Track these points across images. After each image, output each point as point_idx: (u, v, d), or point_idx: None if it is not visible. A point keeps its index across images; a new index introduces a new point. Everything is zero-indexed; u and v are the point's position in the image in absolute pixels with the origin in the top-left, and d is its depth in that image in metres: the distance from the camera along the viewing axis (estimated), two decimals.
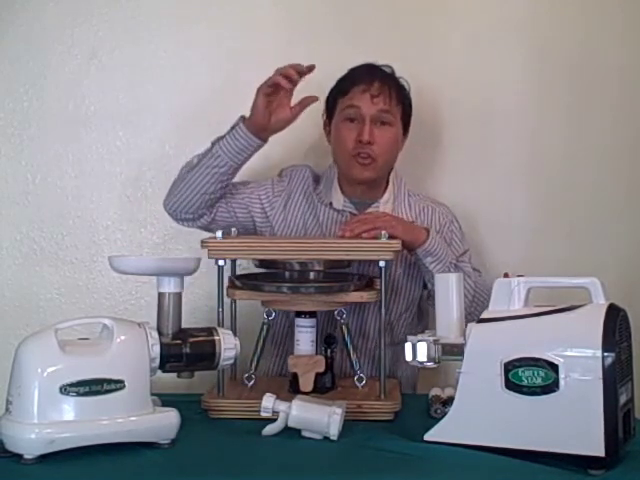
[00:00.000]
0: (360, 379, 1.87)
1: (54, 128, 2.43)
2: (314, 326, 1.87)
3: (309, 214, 2.18)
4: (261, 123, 2.01)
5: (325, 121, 2.21)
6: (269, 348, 2.09)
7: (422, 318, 2.22)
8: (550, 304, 1.58)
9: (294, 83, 1.98)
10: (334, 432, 1.60)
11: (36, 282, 2.44)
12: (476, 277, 2.10)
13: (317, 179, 2.24)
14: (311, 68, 1.97)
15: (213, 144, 2.05)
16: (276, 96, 2.00)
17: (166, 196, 2.13)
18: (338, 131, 2.15)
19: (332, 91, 2.18)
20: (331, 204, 2.17)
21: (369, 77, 2.12)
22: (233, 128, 2.03)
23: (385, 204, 2.16)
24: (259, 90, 1.99)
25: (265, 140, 2.05)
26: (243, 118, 2.03)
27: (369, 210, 2.14)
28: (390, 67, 2.17)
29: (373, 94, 2.10)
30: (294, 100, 2.03)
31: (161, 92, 2.44)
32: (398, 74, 2.18)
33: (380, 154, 2.11)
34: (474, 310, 1.98)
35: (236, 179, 2.14)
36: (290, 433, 1.63)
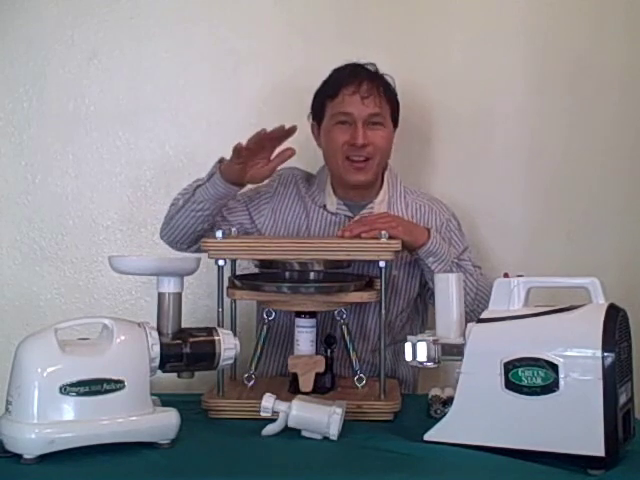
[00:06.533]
0: (360, 379, 1.87)
1: (54, 128, 2.43)
2: (314, 326, 1.87)
3: (302, 218, 2.16)
4: (236, 180, 1.98)
5: (313, 124, 2.18)
6: (269, 348, 2.09)
7: (417, 317, 2.22)
8: (550, 304, 1.58)
9: (276, 142, 1.95)
10: (334, 432, 1.60)
11: (36, 282, 2.44)
12: (477, 274, 2.10)
13: (309, 179, 2.23)
14: (292, 130, 1.92)
15: (195, 189, 2.01)
16: (252, 158, 1.96)
17: (160, 229, 2.13)
18: (329, 135, 2.11)
19: (319, 94, 2.14)
20: (325, 206, 2.16)
21: (357, 78, 2.09)
22: (212, 176, 1.99)
23: (380, 204, 2.15)
24: (233, 154, 1.94)
25: (244, 186, 2.03)
26: (220, 164, 1.99)
27: (364, 212, 2.14)
28: (374, 65, 2.14)
29: (363, 95, 2.07)
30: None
31: (161, 92, 2.44)
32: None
33: (374, 155, 2.09)
34: (476, 307, 1.99)
35: None
36: (290, 433, 1.63)
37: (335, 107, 2.10)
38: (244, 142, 1.92)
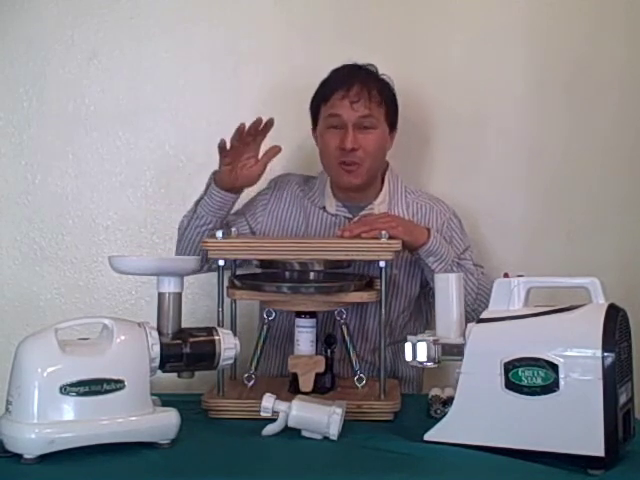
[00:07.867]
0: (360, 379, 1.87)
1: (54, 128, 2.43)
2: (314, 326, 1.87)
3: (300, 219, 2.17)
4: (228, 186, 2.02)
5: (312, 127, 2.19)
6: (269, 348, 2.09)
7: (419, 316, 2.22)
8: (550, 304, 1.58)
9: (258, 137, 1.99)
10: (334, 432, 1.60)
11: (36, 282, 2.44)
12: (478, 274, 2.10)
13: (307, 181, 2.23)
14: (270, 123, 1.96)
15: (196, 205, 2.06)
16: (239, 158, 2.00)
17: (175, 252, 2.16)
18: (322, 139, 2.13)
19: (315, 97, 2.15)
20: (324, 208, 2.17)
21: (347, 82, 2.09)
22: (208, 188, 2.04)
23: (380, 205, 2.15)
24: (219, 153, 1.99)
25: (240, 192, 2.07)
26: (215, 175, 2.03)
27: (363, 213, 2.14)
28: (373, 66, 2.14)
29: (352, 100, 2.07)
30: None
31: (161, 92, 2.44)
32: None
33: (365, 158, 2.09)
34: (477, 307, 1.99)
35: None
36: (290, 433, 1.63)
37: (327, 110, 2.11)
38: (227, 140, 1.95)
